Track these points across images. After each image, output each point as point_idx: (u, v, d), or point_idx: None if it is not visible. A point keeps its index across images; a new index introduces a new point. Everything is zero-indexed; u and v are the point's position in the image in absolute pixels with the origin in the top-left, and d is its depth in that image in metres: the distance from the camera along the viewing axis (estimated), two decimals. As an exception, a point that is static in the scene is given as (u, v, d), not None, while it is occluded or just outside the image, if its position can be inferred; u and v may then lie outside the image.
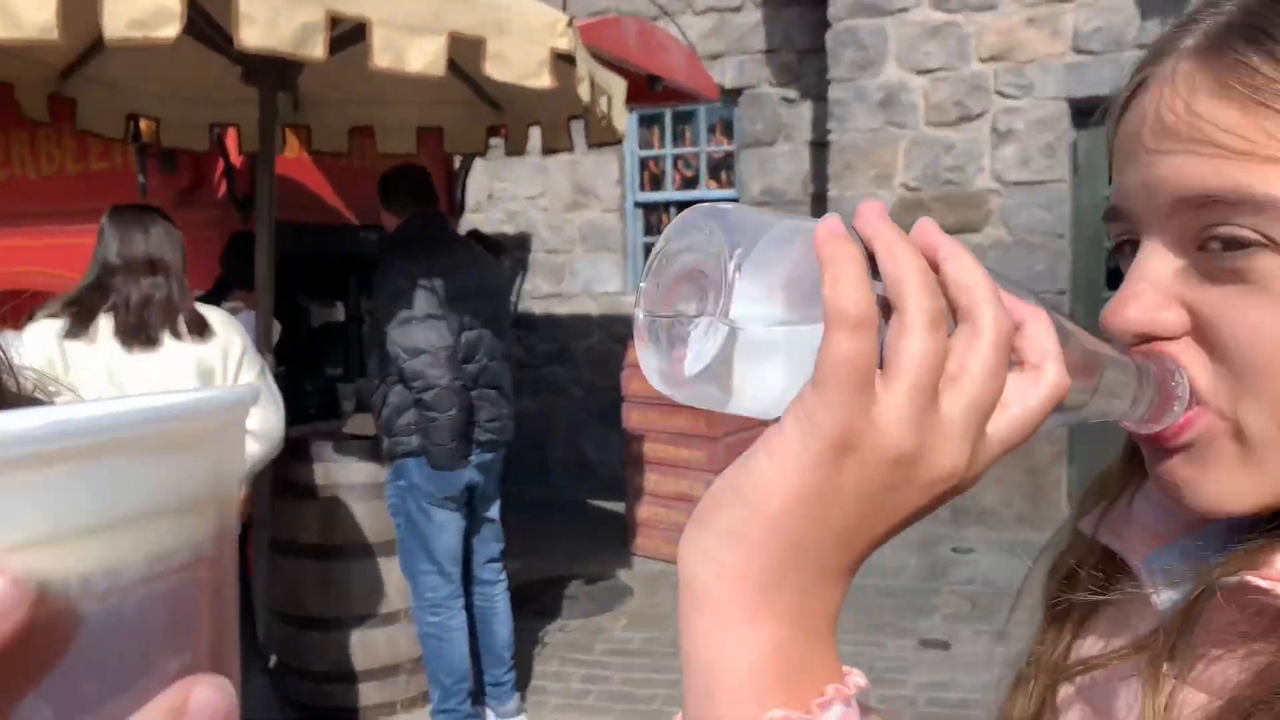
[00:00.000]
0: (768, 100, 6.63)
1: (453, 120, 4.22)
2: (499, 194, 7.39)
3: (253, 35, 2.19)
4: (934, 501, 0.39)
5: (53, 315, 2.50)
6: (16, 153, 4.80)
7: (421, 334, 3.10)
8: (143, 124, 4.08)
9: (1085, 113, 5.51)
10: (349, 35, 2.53)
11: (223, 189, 4.38)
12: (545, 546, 5.48)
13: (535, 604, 4.72)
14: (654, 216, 7.18)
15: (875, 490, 0.37)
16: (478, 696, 3.52)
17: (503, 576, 3.57)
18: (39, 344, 2.42)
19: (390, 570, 3.61)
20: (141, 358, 2.53)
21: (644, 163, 7.15)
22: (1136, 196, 0.50)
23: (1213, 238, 0.46)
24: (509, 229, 7.32)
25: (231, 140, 4.28)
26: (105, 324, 2.51)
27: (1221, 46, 0.46)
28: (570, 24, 2.77)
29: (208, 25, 2.75)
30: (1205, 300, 0.46)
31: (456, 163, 5.30)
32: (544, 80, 2.67)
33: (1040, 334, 0.40)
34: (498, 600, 3.54)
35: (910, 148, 5.79)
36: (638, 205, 7.16)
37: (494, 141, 4.41)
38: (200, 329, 2.64)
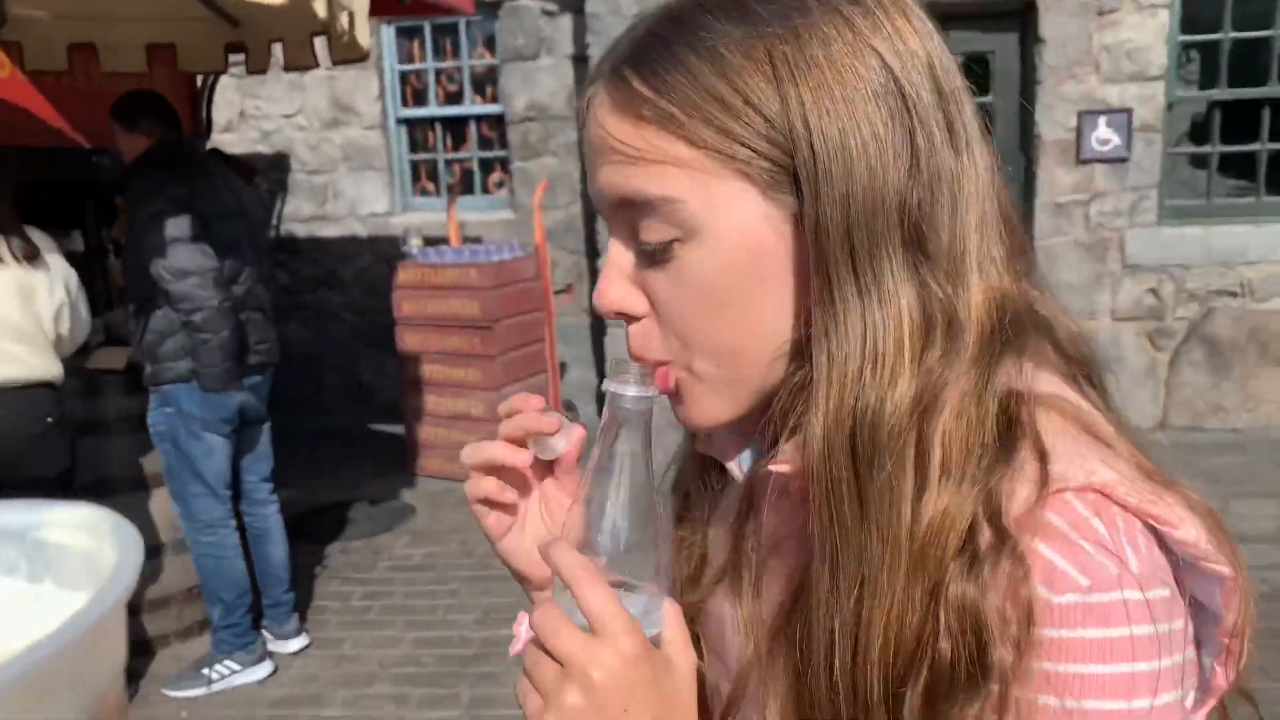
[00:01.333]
0: (528, 13, 6.60)
1: (186, 37, 3.98)
2: (252, 112, 7.01)
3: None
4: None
5: None
6: None
7: (187, 256, 3.02)
8: None
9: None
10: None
11: (-77, 110, 3.96)
12: (324, 473, 5.43)
13: (315, 529, 4.72)
14: (418, 133, 7.05)
15: None
16: (256, 622, 3.54)
17: (274, 497, 3.58)
18: None
19: (152, 504, 3.53)
20: None
21: (405, 77, 6.97)
22: (596, 196, 0.62)
23: (641, 231, 0.59)
24: (264, 149, 6.98)
25: (-72, 56, 3.86)
26: None
27: (619, 73, 0.58)
28: (304, -65, 2.70)
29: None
30: (652, 285, 0.60)
31: (198, 81, 5.00)
32: (276, -3, 2.60)
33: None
34: (270, 520, 3.55)
35: (667, 63, 5.95)
36: (400, 122, 6.99)
37: (235, 59, 4.21)
38: (31, 256, 2.87)
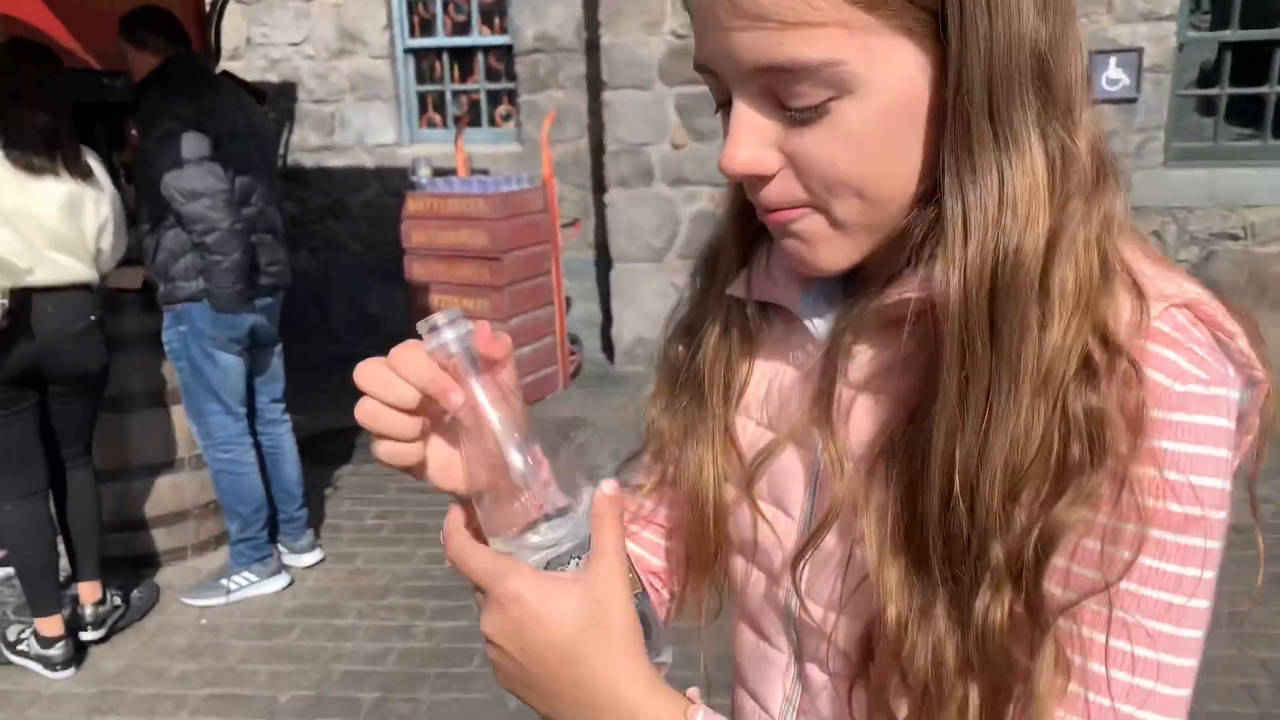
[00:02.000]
0: (537, -57, 6.53)
1: (199, -45, 3.97)
2: (258, 40, 6.97)
3: None
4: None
5: None
6: None
7: (198, 177, 3.07)
8: None
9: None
10: None
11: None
12: (333, 400, 5.49)
13: (326, 452, 4.82)
14: (425, 63, 7.02)
15: None
16: (272, 537, 3.65)
17: (286, 417, 3.67)
18: None
19: (170, 420, 3.61)
20: (27, 182, 2.87)
21: (412, 6, 6.92)
22: (721, 61, 0.60)
23: (790, 98, 0.58)
24: (272, 77, 6.95)
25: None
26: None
27: None
28: None
29: None
30: (796, 141, 0.60)
31: (207, 4, 4.98)
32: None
33: None
34: (284, 439, 3.64)
35: (678, -5, 5.92)
36: (408, 51, 6.96)
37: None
38: (84, 174, 3.01)
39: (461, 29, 6.93)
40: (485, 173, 6.28)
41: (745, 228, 0.76)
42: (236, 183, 3.20)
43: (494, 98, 6.99)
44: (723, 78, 0.61)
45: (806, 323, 0.71)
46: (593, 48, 6.40)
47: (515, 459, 0.61)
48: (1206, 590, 0.57)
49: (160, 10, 3.32)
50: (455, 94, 7.03)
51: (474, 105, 7.01)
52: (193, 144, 3.07)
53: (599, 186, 6.50)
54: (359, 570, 3.77)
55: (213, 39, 5.03)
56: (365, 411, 0.63)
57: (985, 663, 0.58)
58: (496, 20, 6.86)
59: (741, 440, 0.75)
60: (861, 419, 0.66)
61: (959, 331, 0.57)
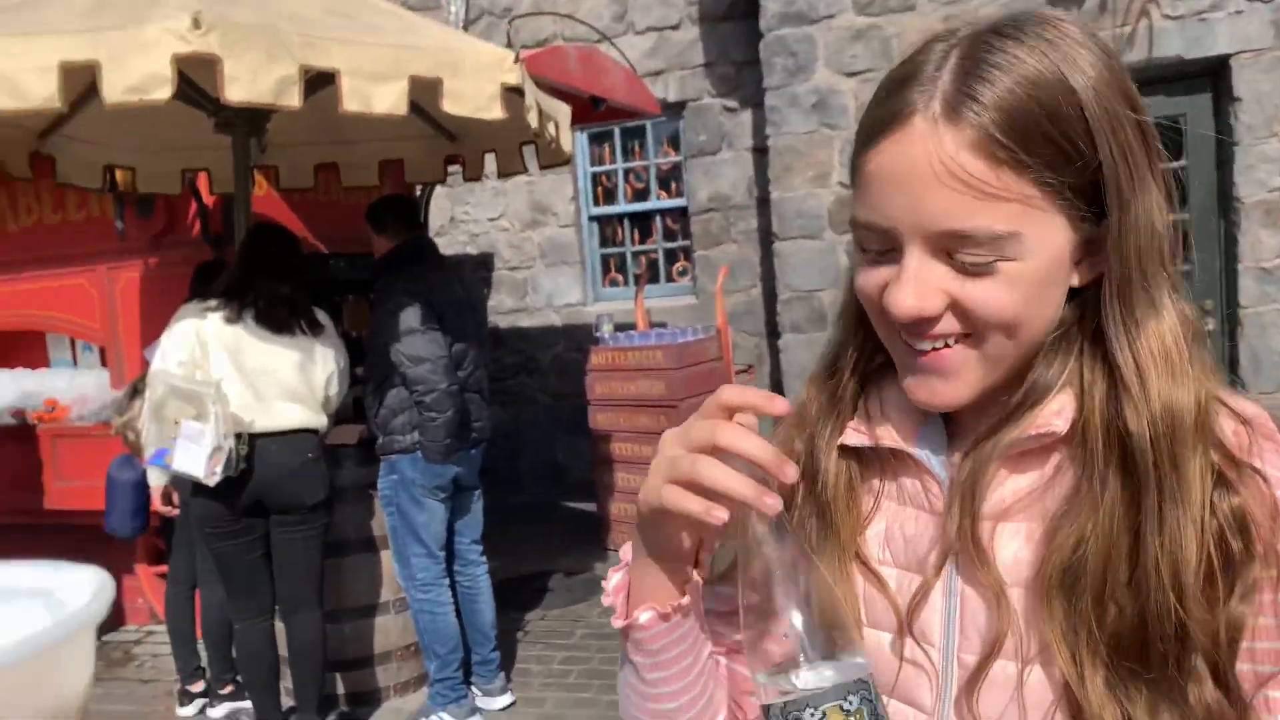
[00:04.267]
0: (710, 111, 6.99)
1: (413, 152, 4.53)
2: (461, 218, 7.70)
3: (236, 91, 2.50)
4: None
5: (207, 308, 3.34)
6: (-6, 209, 5.10)
7: (423, 344, 3.47)
8: (118, 174, 4.36)
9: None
10: (314, 81, 2.84)
11: (196, 229, 4.67)
12: (523, 547, 5.77)
13: (516, 598, 5.02)
14: (608, 228, 7.52)
15: None
16: (465, 677, 3.82)
17: (483, 559, 3.90)
18: (188, 328, 3.30)
19: (379, 563, 3.91)
20: (271, 342, 3.36)
21: (596, 178, 7.49)
22: (904, 219, 0.68)
23: (968, 256, 0.68)
24: (472, 250, 7.62)
25: (203, 183, 4.57)
26: (247, 314, 3.33)
27: (962, 111, 0.66)
28: (517, 59, 3.09)
29: (186, 84, 3.05)
30: (960, 288, 0.70)
31: (418, 191, 5.60)
32: (496, 112, 2.99)
33: None
34: (480, 580, 3.87)
35: (845, 147, 6.15)
36: (592, 219, 7.49)
37: (453, 169, 4.73)
38: (316, 330, 3.50)
39: (641, 195, 7.41)
40: (663, 325, 6.57)
41: (863, 367, 0.83)
42: (453, 349, 3.58)
43: (670, 255, 7.37)
44: (895, 234, 0.70)
45: (925, 462, 0.78)
46: (763, 203, 6.69)
47: (794, 599, 0.65)
48: None
49: (404, 200, 3.87)
50: (635, 254, 7.47)
51: (652, 263, 7.42)
52: (419, 315, 3.48)
53: (772, 332, 6.66)
54: (548, 715, 3.87)
55: (423, 221, 5.62)
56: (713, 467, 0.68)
57: None
58: (673, 184, 7.31)
59: (859, 579, 0.80)
60: (1009, 545, 0.73)
61: (1150, 465, 0.68)
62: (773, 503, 0.65)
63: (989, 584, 0.71)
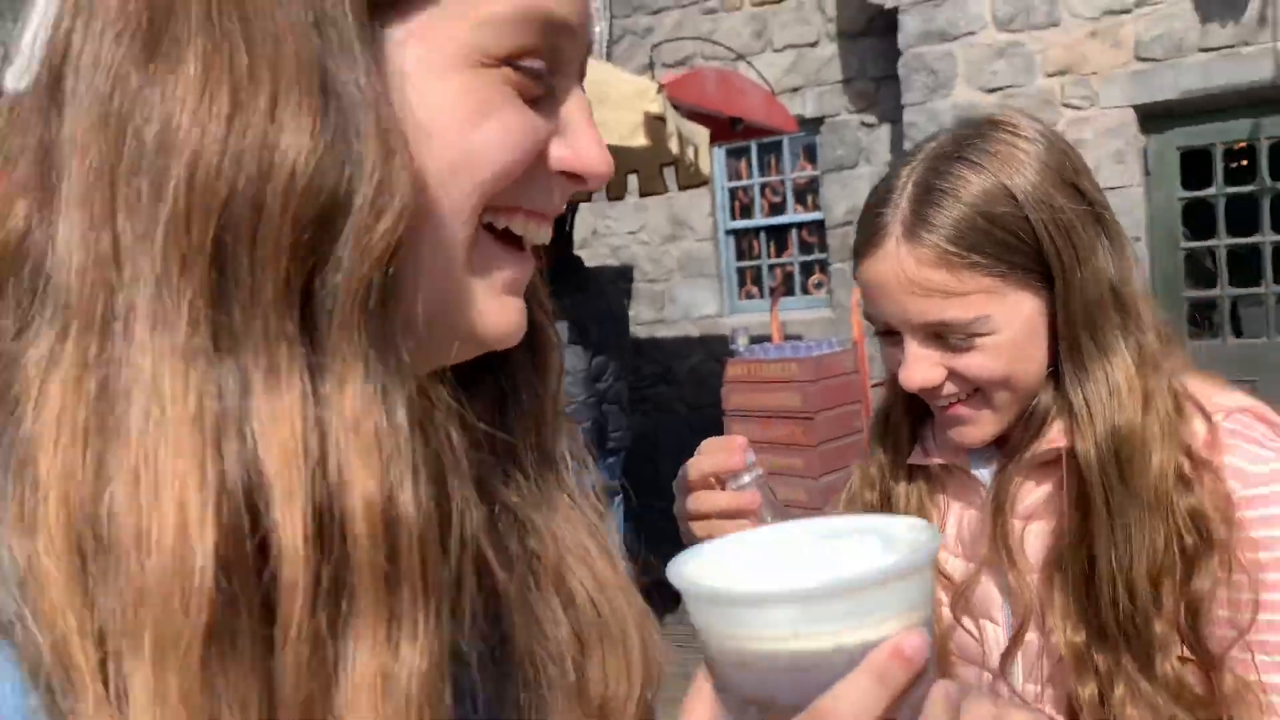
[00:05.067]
0: (847, 126, 7.05)
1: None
2: (603, 231, 7.99)
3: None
4: None
5: None
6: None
7: (565, 357, 3.71)
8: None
9: (1152, 117, 5.77)
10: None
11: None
12: (665, 553, 5.95)
13: (654, 603, 5.20)
14: (744, 242, 7.67)
15: None
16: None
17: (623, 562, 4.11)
18: None
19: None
20: None
21: (733, 193, 7.65)
22: (895, 318, 0.90)
23: (952, 337, 0.87)
24: (613, 262, 7.91)
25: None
26: None
27: (918, 233, 0.85)
28: (659, 90, 3.30)
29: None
30: (955, 360, 0.89)
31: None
32: (639, 140, 3.21)
33: None
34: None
35: (984, 163, 6.11)
36: (729, 233, 7.66)
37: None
38: None
39: (777, 209, 7.53)
40: (798, 338, 6.67)
41: (911, 411, 1.04)
42: (593, 361, 3.82)
43: (806, 268, 7.46)
44: (897, 329, 0.90)
45: (976, 474, 0.98)
46: (901, 217, 6.69)
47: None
48: None
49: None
50: (770, 267, 7.58)
51: (787, 276, 7.52)
52: (562, 329, 3.72)
53: (911, 347, 6.65)
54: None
55: (568, 235, 5.92)
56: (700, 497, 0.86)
57: (1178, 696, 0.82)
58: (809, 198, 7.40)
59: (946, 568, 1.00)
60: (1033, 542, 0.92)
61: (1099, 480, 0.83)
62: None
63: (1017, 573, 0.90)
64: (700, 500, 0.86)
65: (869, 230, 0.90)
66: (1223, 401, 0.86)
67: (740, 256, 7.69)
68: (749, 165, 7.57)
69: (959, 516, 1.00)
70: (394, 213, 0.39)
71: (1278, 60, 5.32)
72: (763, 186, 7.57)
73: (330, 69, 0.39)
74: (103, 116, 0.39)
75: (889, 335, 0.94)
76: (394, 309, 0.41)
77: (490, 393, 0.56)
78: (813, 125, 7.10)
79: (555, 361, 0.58)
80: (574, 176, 0.49)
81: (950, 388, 0.90)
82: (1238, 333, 5.87)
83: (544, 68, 0.46)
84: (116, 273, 0.38)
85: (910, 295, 0.86)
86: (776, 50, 7.19)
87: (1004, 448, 0.95)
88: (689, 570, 0.51)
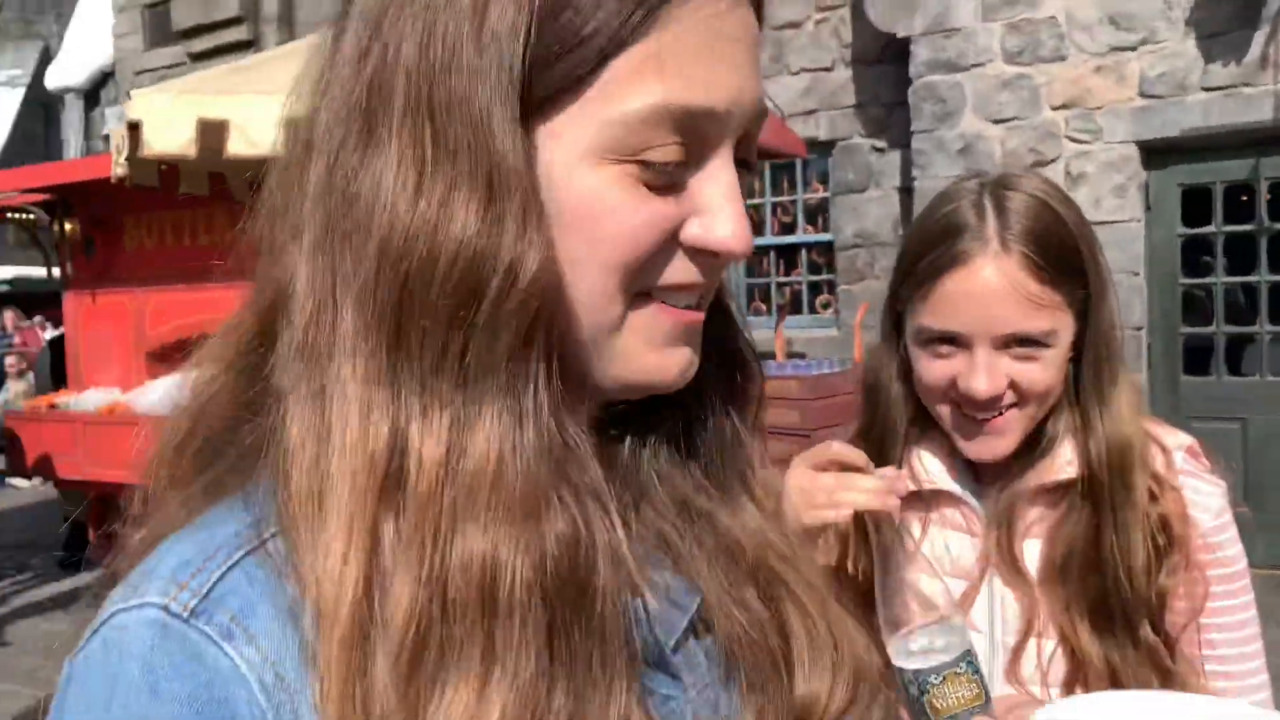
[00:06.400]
0: (859, 150, 7.19)
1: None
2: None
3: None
4: None
5: None
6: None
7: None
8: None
9: (1155, 153, 5.87)
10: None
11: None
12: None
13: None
14: (754, 260, 7.81)
15: None
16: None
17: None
18: None
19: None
20: None
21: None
22: (976, 326, 0.99)
23: (1022, 349, 1.00)
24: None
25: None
26: None
27: (1015, 246, 0.99)
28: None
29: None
30: (1015, 370, 1.01)
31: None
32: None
33: None
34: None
35: (989, 191, 6.22)
36: (740, 251, 7.80)
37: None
38: None
39: (787, 228, 7.68)
40: (802, 356, 6.81)
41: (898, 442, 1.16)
42: None
43: (815, 288, 7.60)
44: (968, 337, 1.01)
45: (965, 498, 1.11)
46: (907, 241, 6.81)
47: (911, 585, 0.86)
48: (1249, 597, 1.01)
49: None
50: (779, 285, 7.73)
51: (796, 295, 7.66)
52: None
53: (912, 369, 6.76)
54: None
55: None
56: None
57: (1152, 662, 1.00)
58: (819, 219, 7.54)
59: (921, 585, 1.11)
60: (1032, 556, 1.07)
61: (1107, 491, 1.01)
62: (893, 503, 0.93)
63: (1022, 586, 1.05)
64: (843, 479, 0.95)
65: (953, 242, 1.01)
66: (1172, 438, 1.06)
67: (749, 274, 7.83)
68: (761, 184, 7.72)
69: (935, 536, 1.12)
70: (529, 291, 0.46)
71: (1278, 102, 5.42)
72: (774, 206, 7.72)
73: (494, 164, 0.46)
74: (329, 185, 0.48)
75: (940, 344, 1.03)
76: (536, 369, 0.47)
77: (681, 416, 0.59)
78: (825, 148, 7.25)
79: (754, 390, 0.62)
80: (711, 252, 0.52)
81: (1005, 397, 1.02)
82: (1232, 370, 5.94)
83: (675, 160, 0.49)
84: (331, 320, 0.47)
85: (1002, 302, 0.98)
86: (792, 74, 7.35)
87: (983, 472, 1.10)
88: None
